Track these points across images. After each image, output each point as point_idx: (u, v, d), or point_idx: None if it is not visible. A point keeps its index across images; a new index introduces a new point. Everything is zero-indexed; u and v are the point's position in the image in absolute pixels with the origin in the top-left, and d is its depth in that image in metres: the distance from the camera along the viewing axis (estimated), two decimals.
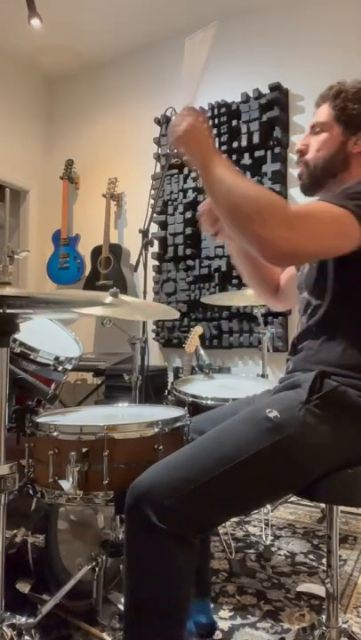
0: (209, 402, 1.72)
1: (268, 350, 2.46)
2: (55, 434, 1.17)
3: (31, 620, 1.16)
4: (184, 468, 0.99)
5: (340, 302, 1.09)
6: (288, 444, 1.00)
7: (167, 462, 1.03)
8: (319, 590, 1.67)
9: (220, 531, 1.99)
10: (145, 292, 2.44)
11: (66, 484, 1.12)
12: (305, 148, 1.22)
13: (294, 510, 2.49)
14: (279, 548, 2.04)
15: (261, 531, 2.10)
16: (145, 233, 2.47)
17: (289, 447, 1.00)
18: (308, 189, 1.23)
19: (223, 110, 3.58)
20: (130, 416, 1.46)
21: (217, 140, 3.60)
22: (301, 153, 1.23)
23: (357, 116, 1.16)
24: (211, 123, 3.63)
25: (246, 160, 3.48)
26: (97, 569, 1.37)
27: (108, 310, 1.64)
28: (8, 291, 1.08)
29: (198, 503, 0.97)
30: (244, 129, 3.48)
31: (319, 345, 1.12)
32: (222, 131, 3.58)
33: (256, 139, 3.43)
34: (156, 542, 0.95)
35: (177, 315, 1.90)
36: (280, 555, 1.98)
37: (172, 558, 0.96)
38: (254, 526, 2.25)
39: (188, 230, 3.69)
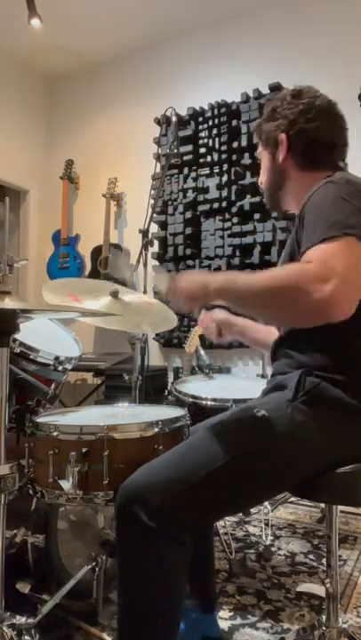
0: (209, 402, 1.72)
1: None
2: (55, 434, 1.17)
3: (31, 620, 1.16)
4: (174, 468, 1.00)
5: None
6: (277, 443, 1.01)
7: (157, 462, 1.04)
8: (319, 590, 1.67)
9: (220, 531, 1.99)
10: (145, 293, 2.44)
11: (66, 484, 1.12)
12: (261, 181, 1.37)
13: (294, 510, 2.49)
14: (279, 548, 2.04)
15: (261, 531, 2.10)
16: (145, 233, 2.47)
17: (278, 445, 1.01)
18: (272, 208, 1.38)
19: (223, 110, 3.58)
20: (130, 416, 1.46)
21: (217, 140, 3.60)
22: (261, 184, 1.38)
23: (270, 132, 1.29)
24: (211, 123, 3.63)
25: (246, 160, 3.48)
26: (97, 569, 1.37)
27: (112, 320, 1.63)
28: (7, 302, 1.08)
29: (189, 503, 0.97)
30: (244, 129, 3.48)
31: (296, 351, 1.14)
32: (222, 131, 3.58)
33: (256, 139, 3.42)
34: (147, 542, 0.96)
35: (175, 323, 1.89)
36: (280, 555, 1.98)
37: (163, 557, 0.96)
38: (254, 526, 2.25)
39: (188, 230, 3.69)
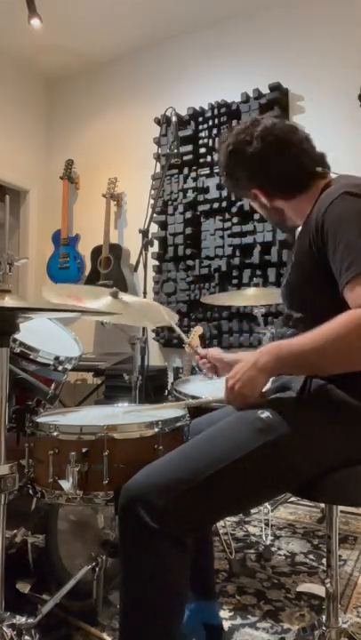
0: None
1: None
2: (55, 434, 1.17)
3: (31, 620, 1.16)
4: (177, 469, 1.00)
5: (322, 316, 1.09)
6: (280, 444, 1.01)
7: (160, 463, 1.04)
8: (319, 590, 1.67)
9: (220, 531, 1.99)
10: (145, 292, 2.44)
11: (66, 484, 1.12)
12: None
13: (294, 510, 2.49)
14: (279, 548, 2.04)
15: (261, 531, 2.10)
16: (145, 233, 2.48)
17: (281, 447, 1.01)
18: (286, 232, 1.48)
19: (223, 110, 3.58)
20: (130, 416, 1.46)
21: (217, 140, 3.60)
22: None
23: (242, 191, 1.31)
24: (211, 123, 3.63)
25: None
26: (97, 569, 1.37)
27: (112, 315, 1.64)
28: (8, 301, 1.08)
29: (191, 503, 0.98)
30: None
31: None
32: (222, 131, 3.57)
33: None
34: (150, 542, 0.96)
35: (176, 318, 1.89)
36: (280, 555, 1.98)
37: (165, 558, 0.96)
38: (254, 526, 2.25)
39: (188, 230, 3.69)
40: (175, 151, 2.62)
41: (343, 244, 1.01)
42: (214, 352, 1.50)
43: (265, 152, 1.20)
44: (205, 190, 3.65)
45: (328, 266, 1.05)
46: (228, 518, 2.25)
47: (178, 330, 1.60)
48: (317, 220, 1.08)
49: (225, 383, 1.11)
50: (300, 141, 1.21)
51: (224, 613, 1.55)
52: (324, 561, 1.89)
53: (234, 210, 3.51)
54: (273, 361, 1.03)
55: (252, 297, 2.36)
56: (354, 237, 1.00)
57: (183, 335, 1.65)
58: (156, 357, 3.87)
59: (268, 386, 1.14)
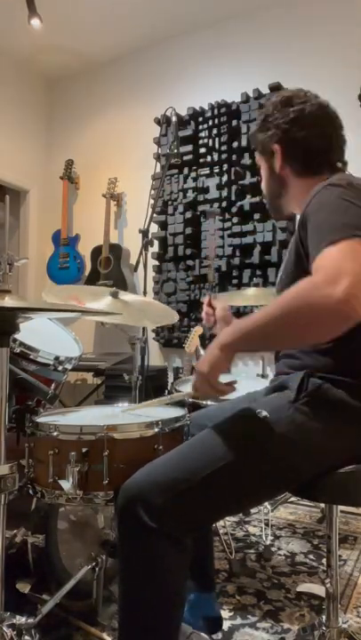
0: (209, 402, 1.72)
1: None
2: (55, 434, 1.17)
3: (31, 620, 1.16)
4: (175, 469, 1.00)
5: None
6: (279, 443, 1.01)
7: (159, 463, 1.04)
8: (319, 590, 1.67)
9: (220, 531, 1.99)
10: (145, 292, 2.44)
11: (66, 484, 1.12)
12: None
13: (294, 510, 2.49)
14: (279, 548, 2.04)
15: (261, 531, 2.10)
16: (145, 233, 2.47)
17: (280, 446, 1.01)
18: (277, 218, 1.43)
19: (223, 110, 3.58)
20: (130, 416, 1.46)
21: (217, 139, 3.60)
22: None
23: (264, 142, 1.29)
24: (211, 123, 3.63)
25: (246, 160, 3.48)
26: (97, 569, 1.37)
27: (113, 314, 1.64)
28: (8, 301, 1.08)
29: (190, 503, 0.98)
30: (244, 129, 3.48)
31: (299, 352, 1.14)
32: (222, 131, 3.58)
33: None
34: (149, 542, 0.96)
35: (176, 318, 1.90)
36: (280, 555, 1.98)
37: (164, 558, 0.96)
38: (254, 526, 2.25)
39: (188, 230, 3.69)
40: (175, 151, 2.62)
41: (315, 228, 1.01)
42: (226, 312, 1.43)
43: (311, 117, 1.21)
44: (205, 190, 3.65)
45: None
46: (228, 518, 2.25)
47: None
48: (303, 214, 1.08)
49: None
50: (339, 130, 1.24)
51: (224, 613, 1.55)
52: (324, 561, 1.89)
53: (234, 210, 3.51)
54: (230, 335, 1.00)
55: (252, 297, 2.36)
56: (323, 219, 1.00)
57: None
58: (156, 357, 3.87)
59: (233, 378, 1.12)
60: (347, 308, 0.86)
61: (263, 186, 1.35)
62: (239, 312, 3.43)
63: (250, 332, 0.97)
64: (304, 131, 1.20)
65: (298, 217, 1.22)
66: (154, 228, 3.80)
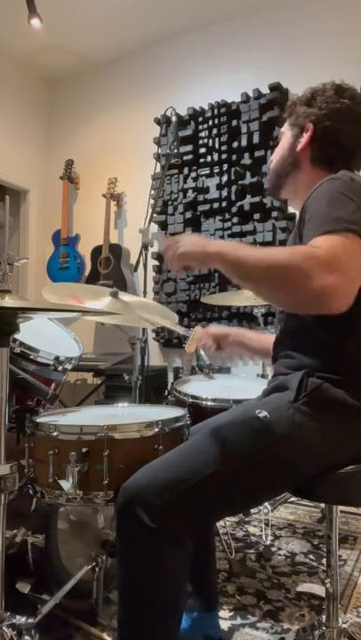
0: (209, 402, 1.72)
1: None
2: (55, 434, 1.17)
3: (31, 620, 1.16)
4: (175, 469, 1.00)
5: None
6: (278, 444, 1.01)
7: (158, 463, 1.04)
8: (319, 590, 1.67)
9: (220, 531, 1.99)
10: (145, 292, 2.44)
11: (66, 484, 1.12)
12: (272, 160, 1.32)
13: (294, 510, 2.49)
14: (279, 548, 2.04)
15: (261, 531, 2.10)
16: (145, 233, 2.47)
17: (279, 446, 1.01)
18: (271, 194, 1.34)
19: (223, 110, 3.58)
20: (130, 416, 1.46)
21: (217, 139, 3.60)
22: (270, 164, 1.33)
23: (300, 116, 1.24)
24: (211, 123, 3.63)
25: (246, 160, 3.48)
26: (97, 569, 1.37)
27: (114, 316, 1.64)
28: (8, 301, 1.08)
29: (189, 503, 0.97)
30: (244, 129, 3.48)
31: (298, 352, 1.14)
32: (222, 131, 3.58)
33: (256, 139, 3.43)
34: (148, 542, 0.95)
35: (175, 320, 1.90)
36: (280, 555, 1.98)
37: (164, 558, 0.96)
38: (254, 526, 2.25)
39: (188, 230, 3.69)
40: (175, 151, 2.62)
41: (311, 216, 1.01)
42: (215, 327, 1.51)
43: (354, 115, 1.19)
44: (205, 190, 3.65)
45: None
46: (228, 518, 2.25)
47: (179, 330, 1.59)
48: (304, 205, 1.08)
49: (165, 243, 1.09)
50: None
51: (224, 613, 1.55)
52: (324, 561, 1.89)
53: (234, 210, 3.51)
54: (223, 251, 0.99)
55: (252, 297, 2.35)
56: (320, 210, 1.00)
57: (181, 330, 1.63)
58: (156, 357, 3.87)
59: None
60: (328, 300, 0.88)
61: (275, 157, 1.29)
62: (239, 312, 3.43)
63: (237, 256, 0.97)
64: (342, 124, 1.19)
65: (297, 214, 1.22)
66: (154, 228, 3.80)
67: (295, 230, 1.12)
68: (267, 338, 1.43)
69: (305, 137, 1.22)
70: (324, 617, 1.21)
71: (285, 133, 1.28)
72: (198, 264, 1.06)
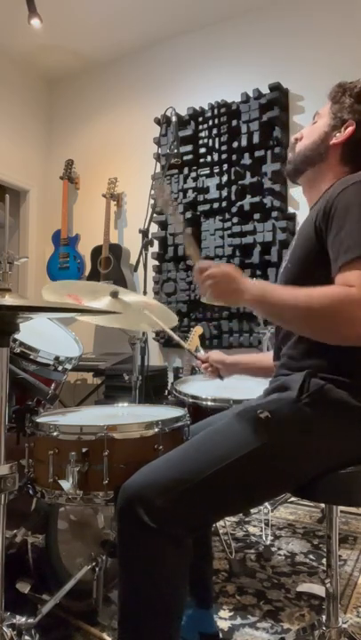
0: (209, 402, 1.72)
1: (267, 350, 2.46)
2: (55, 434, 1.17)
3: (31, 620, 1.16)
4: (176, 469, 1.00)
5: None
6: (279, 444, 1.01)
7: (159, 463, 1.04)
8: (319, 590, 1.67)
9: (220, 531, 1.99)
10: (145, 292, 2.44)
11: (66, 484, 1.12)
12: (300, 136, 1.28)
13: (294, 510, 2.49)
14: (279, 548, 2.04)
15: (261, 531, 2.10)
16: (145, 233, 2.48)
17: (280, 447, 1.01)
18: (290, 176, 1.30)
19: (223, 110, 3.58)
20: (130, 416, 1.46)
21: (217, 139, 3.60)
22: (296, 140, 1.28)
23: (346, 109, 1.19)
24: (211, 123, 3.63)
25: (246, 160, 3.48)
26: (97, 569, 1.37)
27: (111, 319, 1.63)
28: (8, 300, 1.08)
29: (190, 503, 0.97)
30: (244, 129, 3.48)
31: (300, 352, 1.14)
32: (222, 131, 3.58)
33: (256, 139, 3.43)
34: (149, 542, 0.96)
35: (175, 322, 1.90)
36: (280, 555, 1.98)
37: (164, 558, 0.96)
38: (254, 526, 2.25)
39: (188, 230, 3.68)
40: (175, 151, 2.62)
41: (345, 228, 1.01)
42: (215, 355, 1.51)
43: None
44: (205, 190, 3.64)
45: (326, 252, 1.05)
46: (228, 518, 2.25)
47: (175, 336, 1.57)
48: (328, 201, 1.07)
49: (196, 271, 1.13)
50: None
51: (224, 613, 1.55)
52: (324, 561, 1.89)
53: (234, 210, 3.51)
54: (257, 292, 1.06)
55: None
56: (350, 228, 1.00)
57: (182, 341, 1.63)
58: (156, 357, 3.87)
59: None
60: None
61: (305, 141, 1.24)
62: (239, 312, 3.43)
63: (272, 304, 1.04)
64: None
65: (311, 208, 1.21)
66: (154, 228, 3.80)
67: (311, 225, 1.11)
68: (267, 357, 1.43)
69: (344, 133, 1.18)
70: (324, 617, 1.21)
71: (323, 118, 1.23)
72: (228, 304, 1.13)
